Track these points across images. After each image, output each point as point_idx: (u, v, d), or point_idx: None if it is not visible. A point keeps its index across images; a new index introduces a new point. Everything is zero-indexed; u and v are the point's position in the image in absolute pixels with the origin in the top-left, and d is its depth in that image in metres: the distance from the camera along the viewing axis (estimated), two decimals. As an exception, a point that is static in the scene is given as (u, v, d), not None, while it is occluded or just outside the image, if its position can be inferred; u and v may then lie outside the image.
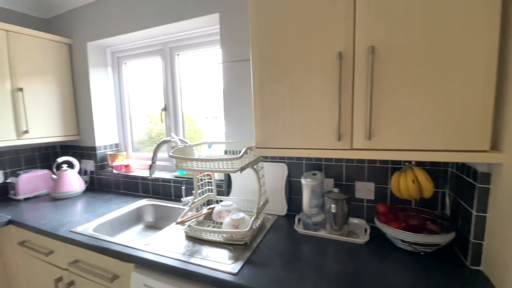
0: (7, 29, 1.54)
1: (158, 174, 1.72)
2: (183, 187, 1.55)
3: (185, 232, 1.12)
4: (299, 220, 1.20)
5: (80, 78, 1.91)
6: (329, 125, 0.90)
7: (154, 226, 1.56)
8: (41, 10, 1.96)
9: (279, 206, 1.31)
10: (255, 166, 1.08)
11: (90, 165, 1.96)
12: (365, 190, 1.19)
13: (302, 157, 1.29)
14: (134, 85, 2.01)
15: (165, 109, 1.80)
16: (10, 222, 1.41)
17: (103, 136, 1.97)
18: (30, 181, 1.78)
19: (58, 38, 1.81)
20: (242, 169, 0.97)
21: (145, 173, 1.78)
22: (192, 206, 1.22)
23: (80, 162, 1.94)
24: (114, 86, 2.02)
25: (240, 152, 0.97)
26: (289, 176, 1.32)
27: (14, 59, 1.58)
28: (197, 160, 1.02)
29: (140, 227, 1.54)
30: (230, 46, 1.37)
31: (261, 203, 1.14)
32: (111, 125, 2.02)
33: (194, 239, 1.09)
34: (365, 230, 1.09)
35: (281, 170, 1.31)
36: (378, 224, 1.01)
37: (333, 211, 1.02)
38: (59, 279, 1.26)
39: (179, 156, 1.03)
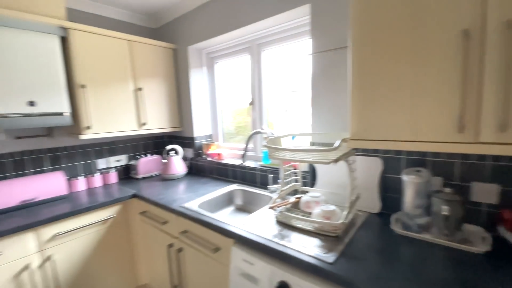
0: (130, 39, 1.92)
1: (245, 163, 1.88)
2: (271, 176, 1.64)
3: (276, 217, 1.19)
4: (395, 220, 1.11)
5: (182, 78, 2.22)
6: (445, 114, 0.79)
7: (243, 209, 1.71)
8: (152, 21, 2.36)
9: (371, 203, 1.24)
10: (348, 159, 1.05)
11: (189, 153, 2.29)
12: (484, 192, 1.00)
13: (401, 151, 1.17)
14: (223, 82, 2.22)
15: (252, 103, 1.92)
16: (134, 195, 1.79)
17: (200, 128, 2.26)
18: (146, 164, 2.21)
19: (165, 44, 2.14)
20: (336, 160, 0.96)
21: (234, 161, 1.97)
22: (281, 194, 1.28)
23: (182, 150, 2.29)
24: (208, 84, 2.27)
25: (328, 144, 0.96)
26: (384, 171, 1.22)
27: (135, 64, 1.97)
28: (291, 150, 1.07)
29: (231, 208, 1.72)
30: (322, 35, 1.34)
31: (353, 198, 1.10)
32: (205, 118, 2.29)
33: (284, 225, 1.14)
34: (483, 238, 0.92)
35: (374, 165, 1.23)
36: (503, 233, 0.84)
37: (444, 213, 0.90)
38: (171, 245, 1.54)
39: (275, 147, 1.09)
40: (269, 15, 1.53)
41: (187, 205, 1.48)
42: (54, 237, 1.45)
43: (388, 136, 0.91)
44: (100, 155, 2.11)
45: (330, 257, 0.88)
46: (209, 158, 2.12)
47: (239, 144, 2.16)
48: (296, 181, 1.39)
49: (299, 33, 1.60)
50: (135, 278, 1.86)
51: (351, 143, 0.99)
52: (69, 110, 1.63)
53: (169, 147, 2.18)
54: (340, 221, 0.98)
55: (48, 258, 1.43)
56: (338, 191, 1.29)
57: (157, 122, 2.14)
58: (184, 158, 2.31)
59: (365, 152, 1.27)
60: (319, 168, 1.38)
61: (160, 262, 1.69)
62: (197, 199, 1.58)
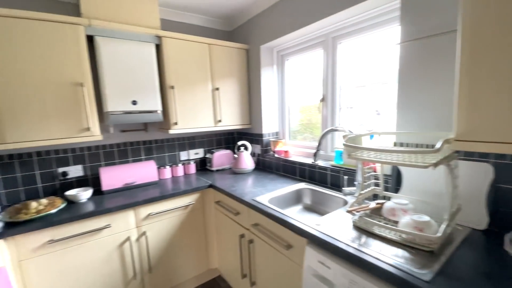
0: (210, 42, 2.08)
1: (306, 161, 1.82)
2: (346, 177, 1.55)
3: (354, 221, 1.11)
4: (511, 240, 0.90)
5: (253, 77, 2.30)
6: None
7: (311, 209, 1.67)
8: (227, 24, 2.50)
9: (475, 217, 1.04)
10: (449, 164, 0.90)
11: (257, 149, 2.36)
12: None
13: (524, 157, 0.94)
14: (292, 80, 2.21)
15: (323, 99, 1.85)
16: (210, 186, 1.95)
17: (268, 125, 2.30)
18: (219, 158, 2.37)
19: (239, 45, 2.25)
20: (436, 164, 0.83)
21: (302, 159, 1.94)
22: (359, 197, 1.19)
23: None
24: (277, 81, 2.29)
25: (418, 145, 0.83)
26: (495, 180, 1.00)
27: (213, 65, 2.13)
28: (378, 150, 0.97)
29: (299, 207, 1.70)
30: (414, 21, 1.18)
31: (453, 210, 0.94)
32: (273, 116, 2.32)
33: (363, 231, 1.06)
34: None
35: (483, 172, 1.02)
36: None
37: None
38: (242, 236, 1.62)
39: (358, 146, 1.02)
40: (350, 4, 1.43)
41: (258, 199, 1.52)
42: (148, 216, 1.70)
43: (508, 138, 0.73)
44: (182, 148, 2.37)
45: (425, 275, 0.77)
46: (276, 155, 2.14)
47: (305, 142, 2.11)
48: (377, 185, 1.27)
49: (382, 22, 1.45)
50: (207, 262, 2.03)
51: (456, 145, 0.84)
52: (161, 108, 1.88)
53: (240, 143, 2.30)
54: (438, 235, 0.85)
55: (143, 234, 1.69)
56: (430, 200, 1.12)
57: (230, 119, 2.27)
58: (252, 154, 2.40)
59: (469, 156, 1.07)
60: (405, 172, 1.23)
61: (231, 250, 1.80)
62: (267, 194, 1.61)
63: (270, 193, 1.62)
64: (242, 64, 2.30)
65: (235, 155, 2.25)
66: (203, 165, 2.49)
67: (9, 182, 1.66)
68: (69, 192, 1.69)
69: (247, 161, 2.20)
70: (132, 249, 1.66)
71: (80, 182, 1.90)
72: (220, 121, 2.20)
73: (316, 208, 1.65)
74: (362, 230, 1.07)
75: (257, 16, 2.15)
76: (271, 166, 2.22)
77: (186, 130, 2.02)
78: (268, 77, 2.25)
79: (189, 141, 2.40)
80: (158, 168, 2.18)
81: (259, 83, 2.23)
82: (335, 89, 1.79)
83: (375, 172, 1.31)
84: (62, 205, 1.53)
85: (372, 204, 1.16)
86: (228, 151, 2.43)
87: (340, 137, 1.81)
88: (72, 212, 1.46)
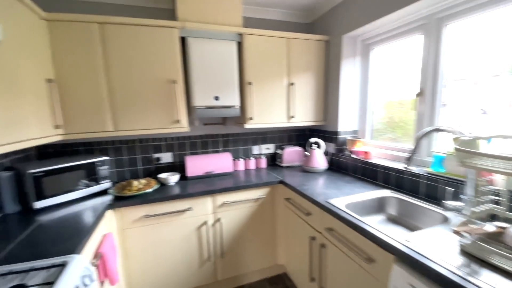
0: (288, 36, 2.03)
1: (392, 165, 1.58)
2: (449, 189, 1.29)
3: (463, 245, 0.90)
4: None
5: (331, 71, 2.15)
6: None
7: (396, 221, 1.46)
8: (305, 16, 2.40)
9: None
10: None
11: (331, 148, 2.21)
12: None
13: None
14: (377, 72, 1.96)
15: (420, 93, 1.57)
16: (280, 182, 1.93)
17: (345, 122, 2.12)
18: (290, 154, 2.33)
19: (318, 37, 2.13)
20: None
21: (385, 162, 1.71)
22: (470, 216, 0.95)
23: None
24: (359, 74, 2.08)
25: None
26: None
27: (290, 60, 2.08)
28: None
29: (381, 217, 1.51)
30: None
31: None
32: (352, 112, 2.13)
33: (474, 258, 0.84)
34: None
35: None
36: None
37: None
38: (313, 238, 1.55)
39: (484, 153, 0.81)
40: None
41: (333, 201, 1.42)
42: (223, 204, 1.80)
43: None
44: (255, 142, 2.43)
45: None
46: (354, 156, 1.96)
47: (391, 142, 1.85)
48: (496, 202, 1.00)
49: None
50: (274, 257, 2.03)
51: None
52: (239, 104, 1.96)
53: (312, 140, 2.20)
54: None
55: (218, 220, 1.81)
56: None
57: (303, 116, 2.19)
58: (325, 153, 2.26)
59: None
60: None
61: (299, 250, 1.75)
62: (342, 197, 1.48)
63: (346, 197, 1.48)
64: (320, 57, 2.18)
65: (307, 153, 2.17)
66: (273, 160, 2.50)
67: (118, 163, 2.04)
68: (161, 175, 1.96)
69: (319, 160, 2.09)
70: (209, 233, 1.80)
71: (169, 167, 2.17)
72: (292, 117, 2.15)
73: (403, 221, 1.43)
74: (473, 257, 0.85)
75: (342, 3, 1.98)
76: (347, 167, 2.04)
77: (260, 125, 2.05)
78: (348, 69, 2.06)
79: (262, 136, 2.45)
80: (233, 160, 2.29)
81: (338, 77, 2.07)
82: (436, 81, 1.49)
83: (493, 186, 1.02)
84: (156, 186, 1.78)
85: (490, 227, 0.91)
86: (299, 148, 2.37)
87: (441, 139, 1.51)
88: (163, 193, 1.68)
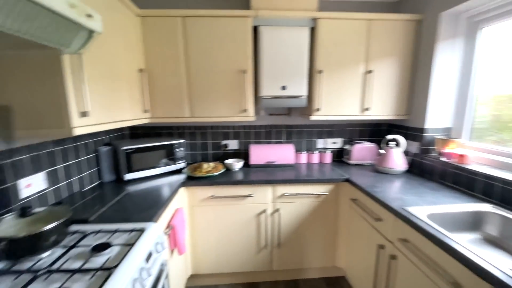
0: (369, 18, 1.79)
1: (498, 174, 1.23)
2: None
3: None
4: None
5: (422, 56, 1.82)
6: None
7: (496, 243, 1.16)
8: (392, -4, 2.08)
9: None
10: None
11: (413, 147, 1.90)
12: None
13: None
14: (485, 57, 1.55)
15: (556, 83, 1.17)
16: (347, 180, 1.77)
17: (435, 118, 1.78)
18: (360, 151, 2.12)
19: (408, 17, 1.82)
20: None
21: (488, 170, 1.36)
22: None
23: (403, 142, 1.96)
24: (460, 60, 1.69)
25: None
26: None
27: (370, 44, 1.84)
28: None
29: (475, 236, 1.22)
30: None
31: None
32: (446, 106, 1.76)
33: None
34: None
35: None
36: None
37: None
38: (382, 247, 1.37)
39: None
40: None
41: (411, 210, 1.21)
42: (283, 195, 1.78)
43: None
44: (320, 135, 2.30)
45: None
46: (444, 159, 1.63)
47: (496, 146, 1.45)
48: None
49: None
50: (333, 258, 1.91)
51: None
52: (306, 93, 1.87)
53: (389, 136, 1.93)
54: None
55: (277, 210, 1.80)
56: None
57: (381, 108, 1.94)
58: (406, 153, 1.97)
59: None
60: None
61: (363, 257, 1.59)
62: (424, 206, 1.25)
63: (429, 207, 1.25)
64: (408, 40, 1.86)
65: (382, 151, 1.93)
66: (339, 156, 2.33)
67: (192, 146, 2.24)
68: (227, 161, 2.06)
69: (396, 160, 1.83)
70: (267, 221, 1.81)
71: (235, 154, 2.27)
72: (367, 109, 1.93)
73: (506, 244, 1.12)
74: None
75: (442, -27, 1.63)
76: (432, 171, 1.72)
77: (327, 117, 1.92)
78: (445, 54, 1.70)
79: (328, 129, 2.29)
80: (296, 152, 2.23)
81: (430, 63, 1.73)
82: None
83: None
84: (222, 170, 1.89)
85: None
86: (372, 145, 2.12)
87: None
88: (228, 177, 1.77)
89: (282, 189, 1.78)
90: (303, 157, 2.20)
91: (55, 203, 1.29)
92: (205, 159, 2.26)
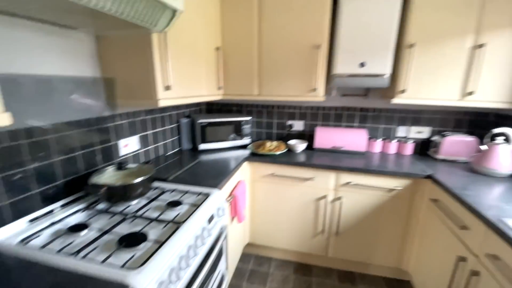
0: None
1: None
2: None
3: None
4: None
5: None
6: None
7: None
8: None
9: None
10: None
11: (535, 146, 1.46)
12: None
13: None
14: None
15: None
16: (428, 176, 1.51)
17: None
18: (453, 144, 1.75)
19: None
20: None
21: None
22: None
23: (520, 139, 1.52)
24: None
25: None
26: None
27: (485, 10, 1.43)
28: None
29: None
30: None
31: None
32: None
33: None
34: None
35: None
36: None
37: None
38: (462, 259, 1.15)
39: None
40: None
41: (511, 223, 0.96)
42: (347, 184, 1.67)
43: None
44: (402, 122, 2.00)
45: None
46: None
47: None
48: None
49: None
50: (399, 260, 1.73)
51: None
52: (390, 72, 1.62)
53: (497, 130, 1.52)
54: None
55: (338, 198, 1.71)
56: None
57: (490, 93, 1.53)
58: (521, 152, 1.53)
59: None
60: None
61: (437, 266, 1.38)
62: (540, 224, 0.97)
63: (546, 225, 0.96)
64: (553, 0, 1.36)
65: (483, 147, 1.55)
66: (423, 149, 1.99)
67: (258, 124, 2.30)
68: (290, 142, 2.05)
69: (502, 160, 1.44)
70: (326, 207, 1.75)
71: (299, 135, 2.22)
72: (470, 93, 1.55)
73: None
74: None
75: None
76: (561, 180, 1.30)
77: (414, 100, 1.64)
78: None
79: (414, 115, 1.96)
80: (369, 139, 2.02)
81: None
82: None
83: None
84: (284, 150, 1.89)
85: None
86: (471, 138, 1.73)
87: None
88: (289, 158, 1.76)
89: (347, 177, 1.66)
90: (377, 146, 1.98)
91: (144, 162, 1.56)
92: (270, 138, 2.30)
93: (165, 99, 1.22)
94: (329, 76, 1.77)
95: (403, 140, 1.94)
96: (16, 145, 0.88)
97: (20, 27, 0.88)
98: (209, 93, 1.73)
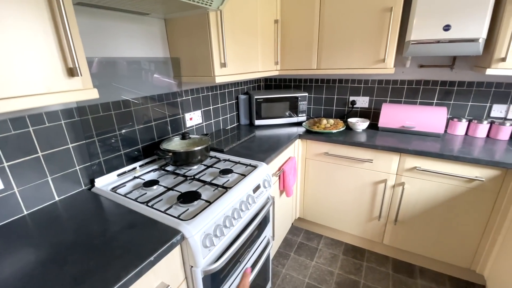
0: None
1: None
2: None
3: None
4: None
5: None
6: None
7: None
8: None
9: None
10: None
11: None
12: None
13: None
14: None
15: None
16: (531, 168, 1.20)
17: None
18: None
19: None
20: None
21: None
22: None
23: None
24: None
25: None
26: None
27: None
28: None
29: None
30: None
31: None
32: None
33: None
34: None
35: None
36: None
37: None
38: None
39: None
40: None
41: None
42: (413, 169, 1.49)
43: None
44: (500, 99, 1.60)
45: None
46: None
47: None
48: None
49: None
50: (471, 260, 1.49)
51: None
52: (484, 36, 1.29)
53: None
54: None
55: (401, 184, 1.55)
56: None
57: None
58: None
59: None
60: None
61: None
62: None
63: None
64: None
65: None
66: (532, 134, 1.56)
67: (316, 100, 2.21)
68: (351, 120, 1.91)
69: None
70: (385, 193, 1.62)
71: (362, 113, 2.04)
72: None
73: None
74: None
75: None
76: None
77: (520, 71, 1.28)
78: None
79: (521, 90, 1.54)
80: (449, 119, 1.70)
81: None
82: None
83: None
84: (342, 129, 1.79)
85: None
86: None
87: None
88: (346, 137, 1.66)
89: (414, 161, 1.47)
90: (461, 127, 1.65)
91: (204, 134, 1.74)
92: (329, 115, 2.19)
93: (221, 76, 1.30)
94: (401, 44, 1.53)
95: (498, 122, 1.56)
96: (109, 115, 1.12)
97: (106, 16, 1.08)
98: (265, 69, 1.75)
